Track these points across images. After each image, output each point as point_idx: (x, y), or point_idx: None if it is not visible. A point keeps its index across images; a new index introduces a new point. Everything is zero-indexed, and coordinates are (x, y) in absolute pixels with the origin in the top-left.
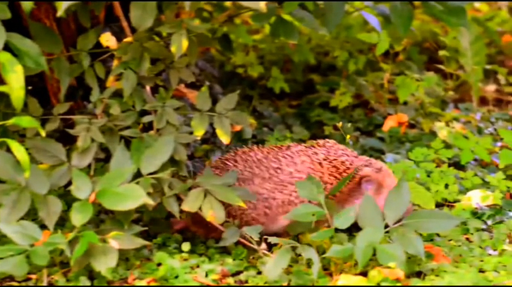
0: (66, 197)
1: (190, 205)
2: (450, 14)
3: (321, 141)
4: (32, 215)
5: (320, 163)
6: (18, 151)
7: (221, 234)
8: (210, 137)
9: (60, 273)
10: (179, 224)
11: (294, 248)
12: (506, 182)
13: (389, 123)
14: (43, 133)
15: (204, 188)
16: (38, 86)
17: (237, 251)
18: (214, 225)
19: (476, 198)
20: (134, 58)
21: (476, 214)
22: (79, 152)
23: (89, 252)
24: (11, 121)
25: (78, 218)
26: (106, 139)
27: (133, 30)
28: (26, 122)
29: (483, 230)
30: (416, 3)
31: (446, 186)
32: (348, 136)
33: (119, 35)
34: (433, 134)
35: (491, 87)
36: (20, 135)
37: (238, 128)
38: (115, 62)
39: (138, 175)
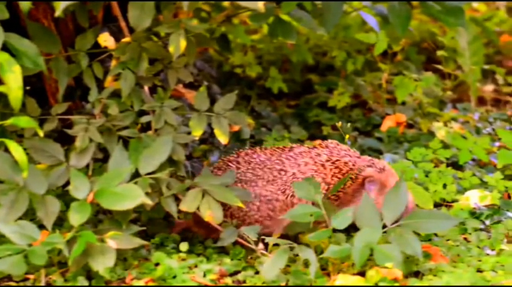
0: (64, 197)
1: (188, 205)
2: (448, 14)
3: (323, 142)
4: (30, 215)
5: (323, 164)
6: (16, 151)
7: None
8: (208, 137)
9: (58, 273)
10: (181, 224)
11: (292, 249)
12: (504, 182)
13: (387, 124)
14: (41, 133)
15: (202, 188)
16: (36, 86)
17: (235, 251)
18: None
19: (474, 198)
20: (132, 58)
21: (474, 213)
22: (77, 152)
23: (87, 252)
24: (9, 121)
25: (76, 218)
26: (104, 139)
27: (131, 30)
28: (24, 122)
29: (481, 230)
30: (415, 3)
31: (445, 186)
32: (347, 136)
33: (117, 35)
34: (431, 134)
35: (489, 88)
36: (18, 135)
37: (236, 128)
38: (113, 62)
39: (136, 175)
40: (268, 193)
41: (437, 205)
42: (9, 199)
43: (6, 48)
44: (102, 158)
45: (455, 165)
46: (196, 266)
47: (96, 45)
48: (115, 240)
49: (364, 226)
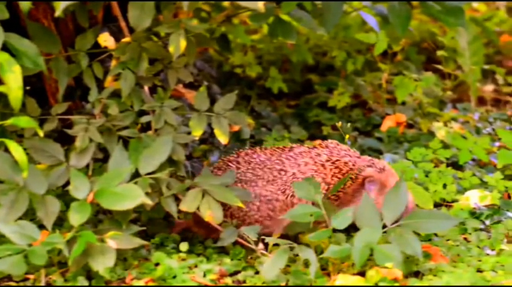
0: (65, 197)
1: (188, 205)
2: (448, 14)
3: (323, 142)
4: (30, 215)
5: (323, 164)
6: (16, 151)
7: None
8: (208, 137)
9: (58, 273)
10: (182, 224)
11: (292, 249)
12: (504, 182)
13: (387, 124)
14: (41, 133)
15: (202, 188)
16: (36, 86)
17: (235, 251)
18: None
19: (474, 198)
20: (132, 58)
21: (474, 213)
22: (77, 152)
23: (87, 252)
24: (9, 121)
25: (76, 218)
26: (104, 139)
27: (131, 30)
28: (24, 122)
29: (481, 230)
30: (415, 3)
31: (445, 186)
32: (347, 136)
33: (117, 35)
34: (431, 134)
35: (489, 87)
36: (18, 135)
37: (236, 128)
38: (113, 62)
39: (136, 175)
40: (268, 193)
41: (437, 205)
42: (9, 199)
43: (6, 48)
44: (102, 158)
45: (455, 165)
46: (196, 266)
47: (96, 45)
48: (115, 240)
49: (364, 226)
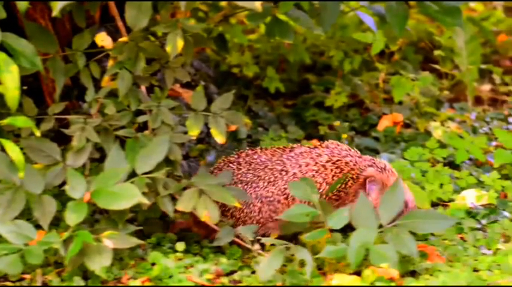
0: (61, 196)
1: (184, 204)
2: (445, 14)
3: (323, 143)
4: (26, 214)
5: (324, 165)
6: (13, 150)
7: None
8: (205, 137)
9: (54, 273)
10: (181, 224)
11: (288, 249)
12: (501, 182)
13: (384, 123)
14: (38, 133)
15: (199, 188)
16: (33, 86)
17: (232, 251)
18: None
19: (470, 197)
20: (129, 58)
21: (470, 213)
22: (74, 151)
23: (83, 251)
24: (5, 121)
25: (72, 217)
26: (101, 139)
27: (128, 30)
28: (20, 122)
29: (477, 229)
30: (412, 3)
31: (441, 185)
32: (344, 135)
33: (114, 35)
34: (428, 133)
35: (486, 87)
36: (15, 135)
37: (233, 127)
38: (110, 62)
39: (133, 174)
40: (270, 194)
41: (434, 205)
42: (5, 198)
43: (3, 48)
44: (98, 158)
45: (452, 164)
46: (192, 266)
47: (93, 45)
48: (111, 240)
49: (360, 225)
